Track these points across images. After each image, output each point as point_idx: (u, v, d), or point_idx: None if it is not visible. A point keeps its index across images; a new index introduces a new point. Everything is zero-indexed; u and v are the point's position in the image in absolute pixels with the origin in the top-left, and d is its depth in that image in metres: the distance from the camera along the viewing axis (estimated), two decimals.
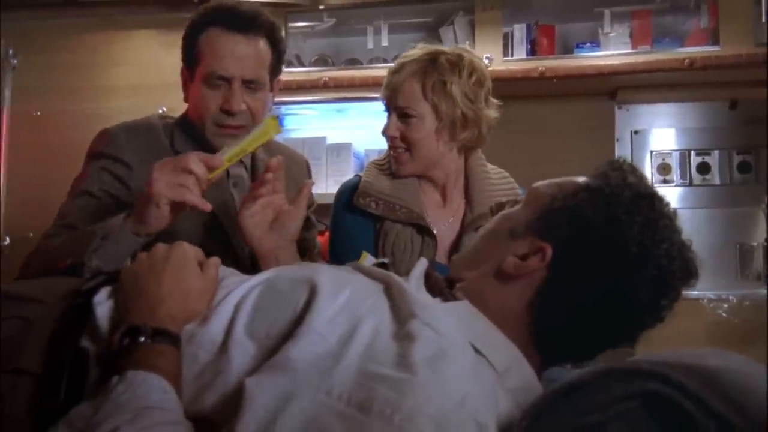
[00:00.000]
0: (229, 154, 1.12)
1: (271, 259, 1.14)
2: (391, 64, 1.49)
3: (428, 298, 0.82)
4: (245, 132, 1.24)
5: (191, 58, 1.33)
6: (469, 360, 0.68)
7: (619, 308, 0.77)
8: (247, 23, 1.30)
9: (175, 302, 0.77)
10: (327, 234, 1.64)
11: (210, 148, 1.32)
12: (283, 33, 1.42)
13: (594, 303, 0.77)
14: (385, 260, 1.11)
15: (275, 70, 1.38)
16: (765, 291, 2.28)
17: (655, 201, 0.80)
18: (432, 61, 1.41)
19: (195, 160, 1.05)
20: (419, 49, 1.44)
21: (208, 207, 1.07)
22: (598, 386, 0.59)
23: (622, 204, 0.78)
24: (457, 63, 1.41)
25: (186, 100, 1.40)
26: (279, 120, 2.80)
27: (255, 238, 1.14)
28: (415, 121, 1.41)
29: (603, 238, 0.77)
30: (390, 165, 1.49)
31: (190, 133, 1.37)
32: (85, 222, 1.22)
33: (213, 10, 1.33)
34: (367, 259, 1.15)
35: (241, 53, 1.30)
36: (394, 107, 1.43)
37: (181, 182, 1.04)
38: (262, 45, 1.33)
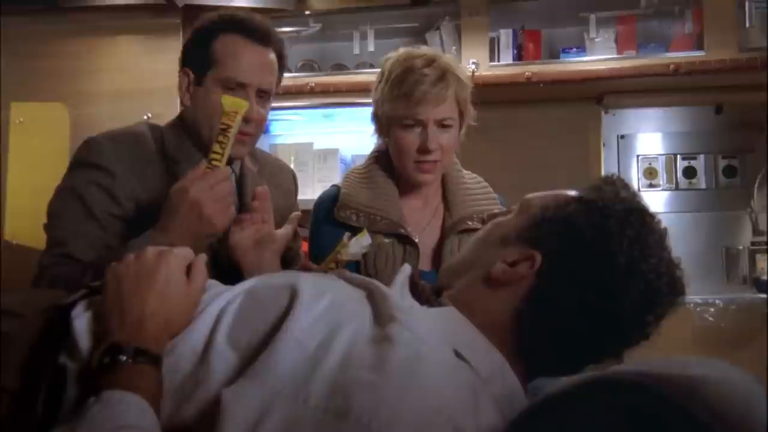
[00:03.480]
0: None
1: (255, 272, 1.16)
2: (377, 70, 1.47)
3: (413, 304, 0.81)
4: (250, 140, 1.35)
5: (202, 61, 1.33)
6: (447, 364, 0.68)
7: (604, 321, 0.77)
8: (263, 35, 1.34)
9: (159, 322, 0.75)
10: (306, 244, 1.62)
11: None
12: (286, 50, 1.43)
13: (579, 314, 0.77)
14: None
15: (276, 84, 1.41)
16: (751, 295, 2.30)
17: (645, 216, 0.80)
18: (445, 66, 1.37)
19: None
20: (417, 57, 1.38)
21: None
22: (581, 398, 0.58)
23: (613, 217, 0.78)
24: (455, 64, 1.42)
25: (183, 103, 1.38)
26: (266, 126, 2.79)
27: (239, 251, 1.19)
28: (452, 130, 1.40)
29: (592, 249, 0.77)
30: (373, 174, 1.47)
31: (186, 136, 1.37)
32: (86, 251, 1.22)
33: (228, 19, 1.35)
34: (365, 238, 1.18)
35: (261, 62, 1.34)
36: (433, 120, 1.36)
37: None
38: (273, 58, 1.37)
